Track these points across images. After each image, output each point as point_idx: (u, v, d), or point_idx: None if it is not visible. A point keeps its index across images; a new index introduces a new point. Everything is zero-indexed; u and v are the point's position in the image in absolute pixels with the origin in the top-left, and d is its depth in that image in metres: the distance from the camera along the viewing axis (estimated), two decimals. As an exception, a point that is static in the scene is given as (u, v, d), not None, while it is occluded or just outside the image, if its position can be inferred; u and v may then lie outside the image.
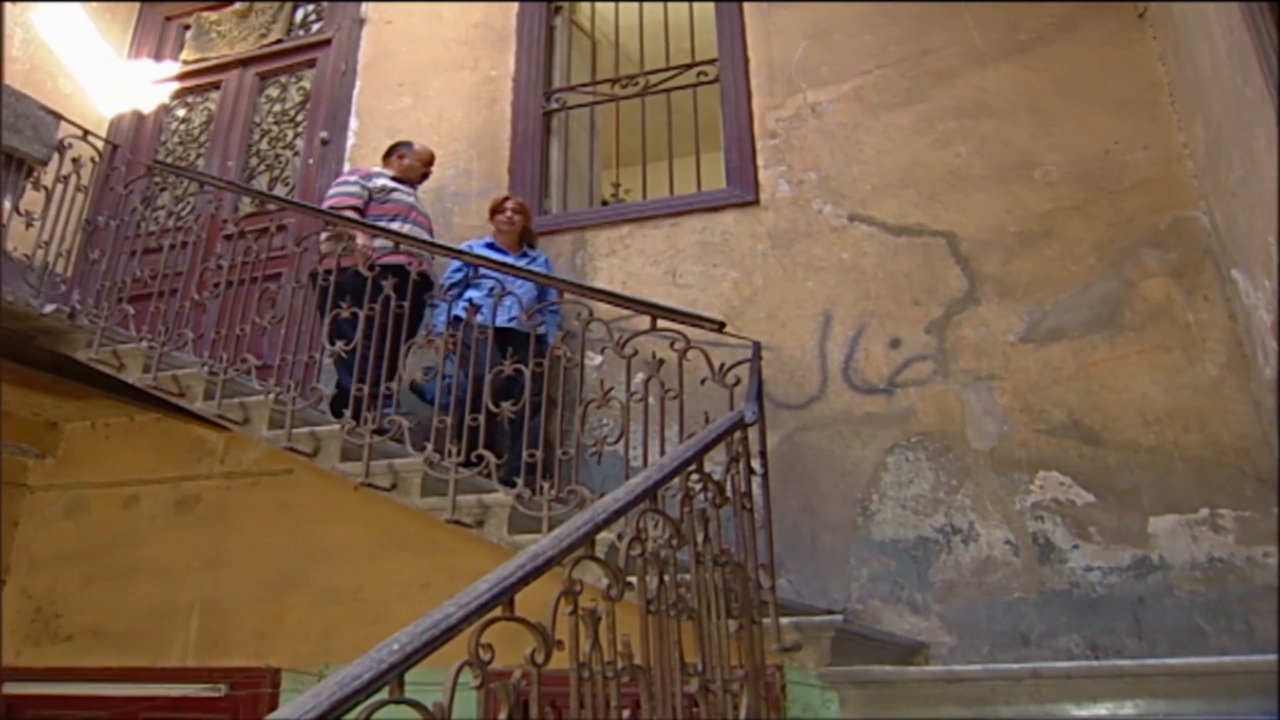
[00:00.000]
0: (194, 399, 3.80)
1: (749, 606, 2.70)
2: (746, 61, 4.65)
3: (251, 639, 4.13)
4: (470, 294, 3.94)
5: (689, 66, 4.78)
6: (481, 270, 3.98)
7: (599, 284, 4.14)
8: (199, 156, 5.57)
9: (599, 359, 4.19)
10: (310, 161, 5.19)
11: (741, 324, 3.99)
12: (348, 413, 3.51)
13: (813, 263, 4.12)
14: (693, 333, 3.30)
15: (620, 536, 2.09)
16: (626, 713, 2.08)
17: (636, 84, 4.82)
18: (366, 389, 3.48)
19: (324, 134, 5.21)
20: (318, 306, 3.90)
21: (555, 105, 4.94)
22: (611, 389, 3.75)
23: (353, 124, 5.23)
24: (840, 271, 4.11)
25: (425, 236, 4.27)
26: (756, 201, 4.34)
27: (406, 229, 4.17)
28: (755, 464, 3.04)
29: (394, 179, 4.42)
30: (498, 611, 1.64)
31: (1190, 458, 3.50)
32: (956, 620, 3.52)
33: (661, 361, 3.31)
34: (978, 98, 4.25)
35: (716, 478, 2.66)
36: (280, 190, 5.16)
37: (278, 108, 5.60)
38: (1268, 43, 2.44)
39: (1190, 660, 2.64)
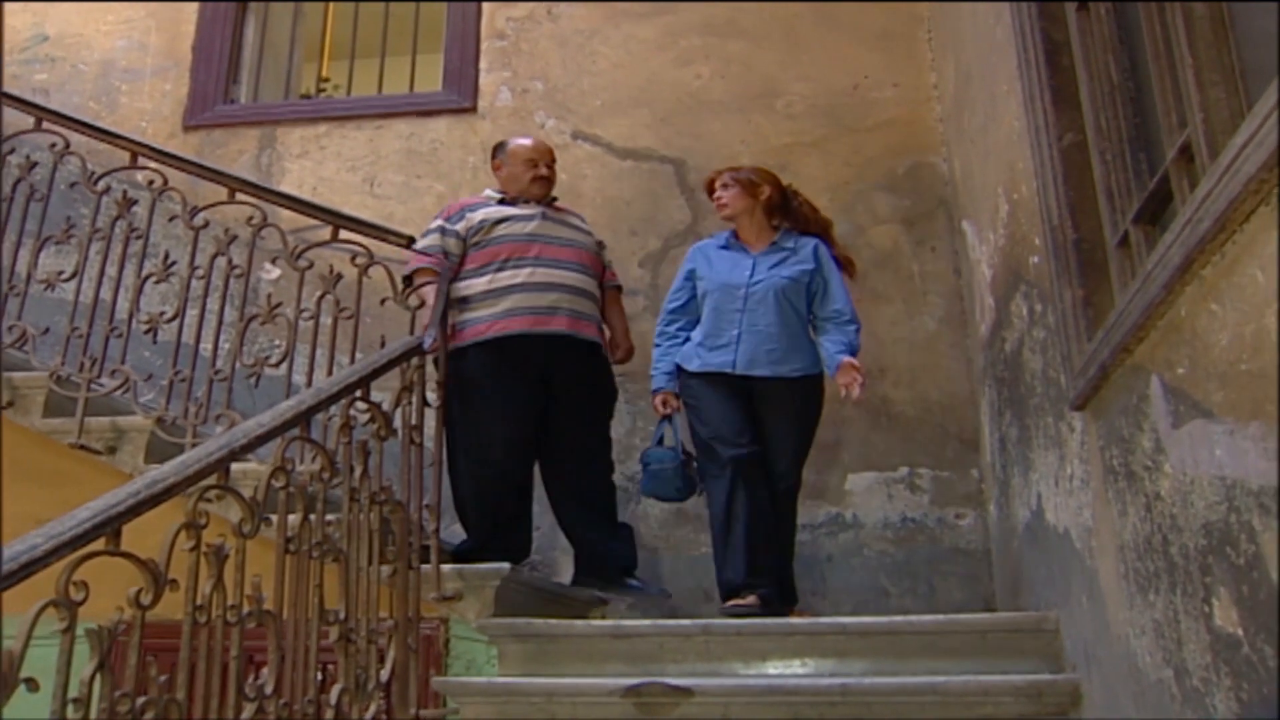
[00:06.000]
0: None
1: (407, 551, 2.50)
2: (482, -52, 4.16)
3: None
4: (695, 334, 2.99)
5: (416, -51, 4.24)
6: (712, 301, 2.95)
7: (285, 188, 3.63)
8: None
9: (276, 272, 3.71)
10: (-48, 18, 4.36)
11: (441, 243, 3.56)
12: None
13: (527, 181, 3.72)
14: (381, 248, 2.99)
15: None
16: (266, 670, 1.89)
17: (355, -38, 4.25)
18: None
19: (-27, -15, 4.37)
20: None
21: (257, -21, 4.30)
22: (280, 304, 3.32)
23: (10, -26, 4.41)
24: (556, 193, 3.72)
25: (560, 276, 2.98)
26: (474, 109, 3.92)
27: (523, 275, 2.94)
28: (431, 395, 2.81)
29: (503, 200, 3.12)
30: (99, 544, 1.49)
31: (897, 414, 3.45)
32: (639, 576, 3.27)
33: (340, 277, 2.94)
34: (729, 15, 3.97)
35: (385, 408, 2.48)
36: (-87, 48, 4.31)
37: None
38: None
39: (862, 620, 2.60)
